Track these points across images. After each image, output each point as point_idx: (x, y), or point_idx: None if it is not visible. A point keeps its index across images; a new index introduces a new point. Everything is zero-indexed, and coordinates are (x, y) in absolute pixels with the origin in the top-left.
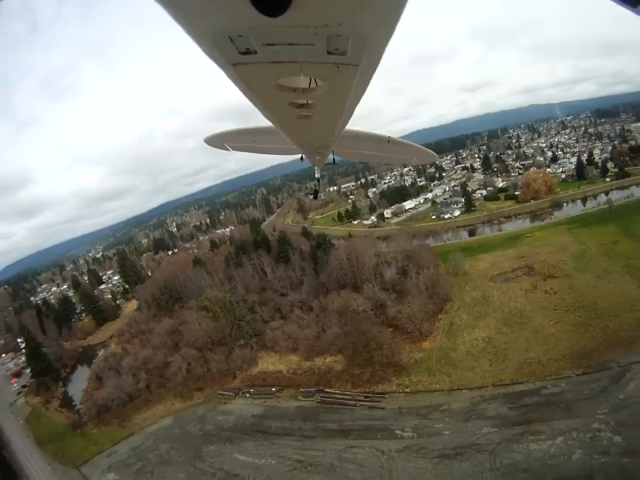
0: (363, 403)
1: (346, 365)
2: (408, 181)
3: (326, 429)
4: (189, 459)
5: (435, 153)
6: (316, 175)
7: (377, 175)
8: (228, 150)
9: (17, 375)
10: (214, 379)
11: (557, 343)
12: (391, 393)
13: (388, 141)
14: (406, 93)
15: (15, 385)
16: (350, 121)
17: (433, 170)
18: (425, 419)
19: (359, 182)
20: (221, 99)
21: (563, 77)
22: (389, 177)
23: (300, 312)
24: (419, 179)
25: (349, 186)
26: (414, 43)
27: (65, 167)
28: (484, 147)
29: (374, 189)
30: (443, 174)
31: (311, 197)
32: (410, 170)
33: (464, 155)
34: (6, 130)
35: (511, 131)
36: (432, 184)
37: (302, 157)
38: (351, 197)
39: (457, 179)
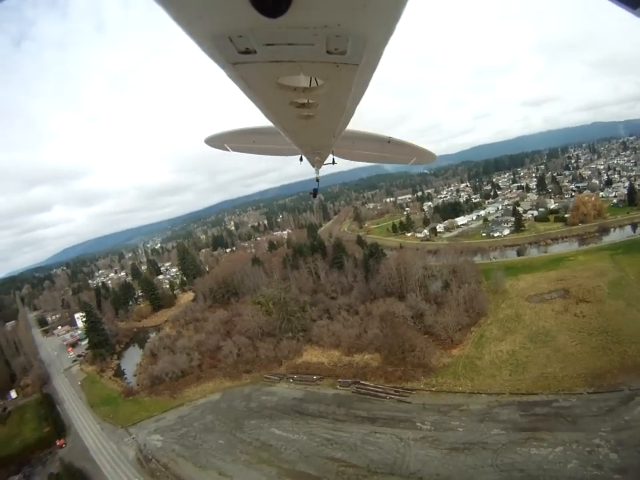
0: (393, 396)
1: (381, 362)
2: (463, 197)
3: (356, 415)
4: (230, 429)
5: (434, 153)
6: (316, 176)
7: (433, 189)
8: (228, 150)
9: (73, 345)
10: (261, 364)
11: (575, 361)
12: (419, 390)
13: (388, 141)
14: (468, 106)
15: (71, 354)
16: (351, 121)
17: (489, 187)
18: (444, 416)
19: (415, 195)
20: None
21: (627, 93)
22: (445, 192)
23: (346, 314)
24: (474, 196)
25: (405, 198)
26: (475, 54)
27: (129, 160)
28: (542, 166)
29: (429, 203)
30: (499, 192)
31: (311, 196)
32: (467, 186)
33: (522, 174)
34: (75, 122)
35: (572, 151)
36: (486, 201)
37: (301, 157)
38: (406, 209)
39: (511, 197)
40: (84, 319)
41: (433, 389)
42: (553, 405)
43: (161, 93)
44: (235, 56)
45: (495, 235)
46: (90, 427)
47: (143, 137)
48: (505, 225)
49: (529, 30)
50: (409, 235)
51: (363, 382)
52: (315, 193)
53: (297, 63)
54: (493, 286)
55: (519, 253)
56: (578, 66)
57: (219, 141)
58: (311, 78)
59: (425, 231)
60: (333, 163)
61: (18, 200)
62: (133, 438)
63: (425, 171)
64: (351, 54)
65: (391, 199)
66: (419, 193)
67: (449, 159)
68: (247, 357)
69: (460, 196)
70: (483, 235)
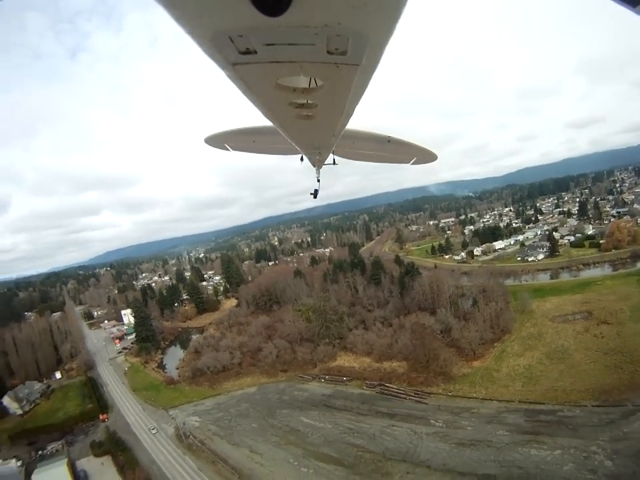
0: (412, 397)
1: (407, 369)
2: (504, 222)
3: (377, 411)
4: (263, 415)
5: (435, 153)
6: (316, 176)
7: (477, 213)
8: (228, 150)
9: (120, 338)
10: (298, 365)
11: (586, 378)
12: (436, 394)
13: (388, 140)
14: (513, 128)
15: (117, 346)
16: (354, 122)
17: (532, 212)
18: (456, 416)
19: (458, 218)
20: None
21: None
22: (488, 216)
23: (381, 325)
24: (515, 221)
25: (448, 221)
26: (518, 76)
27: (178, 171)
28: (587, 190)
29: (471, 227)
30: (540, 217)
31: (312, 196)
32: (510, 210)
33: (566, 198)
34: (126, 131)
35: (617, 174)
36: (526, 226)
37: (302, 157)
38: (447, 232)
39: (552, 223)
40: (133, 315)
41: (450, 394)
42: (557, 414)
43: (210, 107)
44: (236, 56)
45: (530, 259)
46: (132, 406)
47: (192, 150)
48: (540, 250)
49: (571, 50)
50: (446, 257)
51: (387, 384)
52: (315, 193)
53: (298, 63)
54: (520, 306)
55: (556, 276)
56: (622, 86)
57: (219, 141)
58: (310, 78)
59: (462, 253)
60: (334, 163)
61: (69, 202)
62: (173, 417)
63: (470, 194)
64: (351, 54)
65: (434, 221)
66: (462, 217)
67: (495, 182)
68: (285, 358)
69: (502, 220)
70: (518, 259)
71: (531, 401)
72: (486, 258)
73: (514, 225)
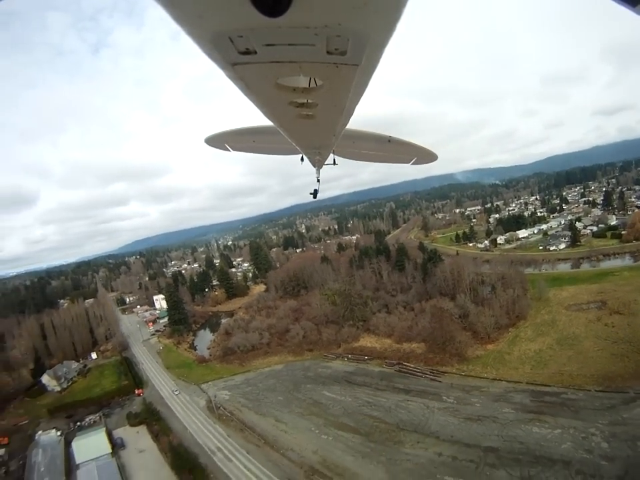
0: (427, 375)
1: (425, 350)
2: (530, 210)
3: (394, 387)
4: (289, 389)
5: (435, 153)
6: (316, 176)
7: (502, 201)
8: (228, 150)
9: (153, 322)
10: (323, 345)
11: (592, 364)
12: (450, 373)
13: (388, 140)
14: (540, 115)
15: (150, 328)
16: (356, 121)
17: (557, 201)
18: (467, 394)
19: (484, 206)
20: (357, 110)
21: None
22: (514, 204)
23: (402, 309)
24: (540, 210)
25: (474, 209)
26: (543, 62)
27: (205, 161)
28: (614, 179)
29: (496, 215)
30: (565, 206)
31: (312, 196)
32: (536, 199)
33: (592, 188)
34: (152, 124)
35: None
36: (551, 216)
37: (302, 157)
38: (473, 220)
39: (576, 212)
40: (166, 299)
41: (463, 373)
42: (561, 396)
43: (235, 97)
44: (235, 56)
45: (551, 248)
46: (166, 382)
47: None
48: (562, 239)
49: (597, 35)
50: (470, 245)
51: (405, 363)
52: (315, 193)
53: (297, 63)
54: (537, 294)
55: (577, 266)
56: None
57: (219, 141)
58: (310, 78)
59: (486, 241)
60: (334, 163)
61: (97, 194)
62: (204, 391)
63: (497, 182)
64: (351, 54)
65: (461, 209)
66: (488, 205)
67: (522, 170)
68: (311, 338)
69: (527, 209)
70: (540, 248)
71: (537, 383)
72: (509, 246)
73: (538, 213)
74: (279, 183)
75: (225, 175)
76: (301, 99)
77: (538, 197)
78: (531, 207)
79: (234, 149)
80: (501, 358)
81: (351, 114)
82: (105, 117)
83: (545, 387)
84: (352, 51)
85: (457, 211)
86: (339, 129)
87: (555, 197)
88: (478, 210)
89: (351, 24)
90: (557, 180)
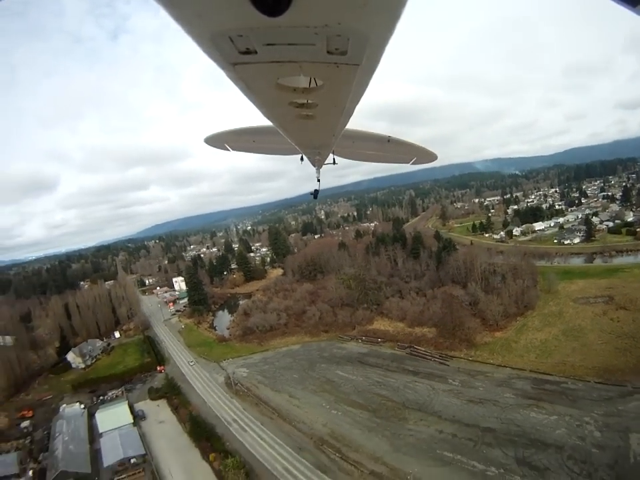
0: (436, 359)
1: (435, 335)
2: (549, 202)
3: (404, 369)
4: (304, 368)
5: (435, 153)
6: (316, 176)
7: (522, 192)
8: (228, 150)
9: (173, 302)
10: (338, 327)
11: (594, 356)
12: (458, 358)
13: (388, 140)
14: (561, 106)
15: (171, 308)
16: (356, 121)
17: (577, 194)
18: (472, 378)
19: (503, 197)
20: (379, 97)
21: None
22: (533, 196)
23: (415, 295)
24: (559, 202)
25: (493, 200)
26: (565, 51)
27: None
28: (634, 175)
29: (515, 206)
30: (583, 200)
31: (312, 196)
32: (555, 191)
33: (612, 182)
34: (172, 109)
35: None
36: (569, 209)
37: (302, 157)
38: (491, 210)
39: (594, 207)
40: (186, 280)
41: (470, 359)
42: (561, 385)
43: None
44: (236, 56)
45: (566, 242)
46: (186, 359)
47: (239, 124)
48: (578, 233)
49: (622, 26)
50: (486, 235)
51: (416, 347)
52: (315, 194)
53: (298, 63)
54: (546, 286)
55: (591, 260)
56: None
57: (218, 141)
58: (310, 78)
59: (502, 232)
60: (334, 163)
61: (117, 178)
62: (223, 368)
63: (517, 172)
64: (351, 54)
65: (480, 199)
66: (507, 195)
67: (542, 161)
68: (327, 320)
69: (546, 201)
70: (555, 241)
71: (540, 371)
72: (524, 238)
73: (557, 206)
74: (298, 168)
75: (245, 159)
76: (301, 99)
77: (557, 189)
78: (549, 199)
79: (234, 149)
80: (507, 345)
81: (351, 114)
82: (125, 104)
83: (547, 376)
84: (352, 51)
85: (476, 200)
86: (338, 129)
87: (574, 190)
88: (497, 200)
89: (351, 23)
90: (577, 173)
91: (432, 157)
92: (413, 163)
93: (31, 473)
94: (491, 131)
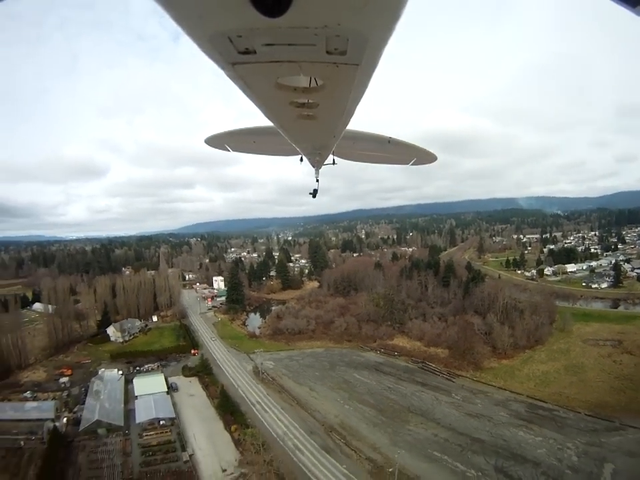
0: (444, 375)
1: (447, 355)
2: (586, 245)
3: (414, 379)
4: (325, 368)
5: (434, 154)
6: (315, 177)
7: (561, 233)
8: (228, 150)
9: (211, 298)
10: (361, 338)
11: (590, 392)
12: (464, 377)
13: (388, 141)
14: (612, 147)
15: (209, 304)
16: (356, 122)
17: (615, 239)
18: (472, 395)
19: (542, 236)
20: (430, 124)
21: None
22: (571, 237)
23: (437, 320)
24: (596, 246)
25: (532, 237)
26: (621, 91)
27: (272, 158)
28: None
29: (552, 246)
30: (620, 246)
31: (311, 196)
32: (594, 235)
33: None
34: (230, 115)
35: None
36: (604, 253)
37: (302, 157)
38: (528, 248)
39: (629, 253)
40: (227, 280)
41: (474, 379)
42: (553, 412)
43: None
44: (235, 56)
45: (593, 286)
46: (219, 348)
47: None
48: (607, 278)
49: None
50: (518, 272)
51: (428, 363)
52: (314, 193)
53: (297, 63)
54: (561, 325)
55: (616, 305)
56: None
57: (219, 141)
58: (310, 78)
59: (533, 271)
60: (334, 163)
61: (165, 174)
62: (252, 359)
63: (559, 212)
64: (351, 54)
65: (520, 235)
66: (547, 235)
67: (587, 203)
68: (352, 331)
69: (583, 244)
70: (583, 284)
71: (536, 398)
72: (555, 278)
73: (592, 250)
74: (343, 186)
75: (291, 171)
76: (302, 99)
77: (597, 232)
78: (587, 242)
79: (234, 150)
80: (511, 372)
81: (352, 114)
82: (182, 104)
83: (542, 402)
84: (352, 51)
85: (515, 236)
86: (339, 130)
87: (613, 234)
88: (535, 239)
89: (351, 24)
90: (618, 217)
91: (432, 157)
92: (413, 164)
93: (65, 420)
94: (539, 168)
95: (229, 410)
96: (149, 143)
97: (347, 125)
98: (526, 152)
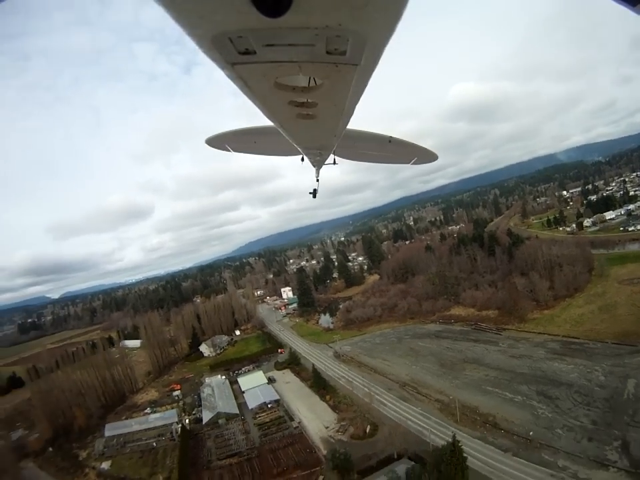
0: (493, 331)
1: (497, 315)
2: (626, 188)
3: (468, 338)
4: (393, 343)
5: (435, 153)
6: (315, 176)
7: (603, 181)
8: (229, 151)
9: (284, 307)
10: (421, 314)
11: (619, 325)
12: (509, 329)
13: (389, 140)
14: (637, 80)
15: (282, 312)
16: (356, 121)
17: None
18: (516, 342)
19: (585, 187)
20: (454, 99)
21: None
22: (614, 183)
23: (487, 286)
24: (636, 189)
25: (575, 191)
26: (632, 22)
27: (306, 164)
28: None
29: (592, 197)
30: None
31: (311, 196)
32: (636, 176)
33: None
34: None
35: None
36: None
37: (302, 157)
38: (570, 203)
39: None
40: (297, 287)
41: (519, 330)
42: (583, 345)
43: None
44: (235, 56)
45: (630, 229)
46: (300, 344)
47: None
48: None
49: None
50: (560, 228)
51: (479, 323)
52: (314, 193)
53: (297, 63)
54: (599, 271)
55: None
56: None
57: (219, 141)
58: (310, 77)
59: (573, 225)
60: (334, 163)
61: (208, 202)
62: (331, 347)
63: (600, 159)
64: (350, 54)
65: (563, 192)
66: (589, 186)
67: (631, 141)
68: (413, 310)
69: (624, 188)
70: (621, 229)
71: (570, 336)
72: (594, 229)
73: (631, 193)
74: (384, 178)
75: (329, 175)
76: (301, 98)
77: (638, 173)
78: (628, 185)
79: (235, 150)
80: (551, 319)
81: (351, 114)
82: (209, 130)
83: (575, 339)
84: (351, 51)
85: (557, 194)
86: (339, 129)
87: None
88: (578, 192)
89: (352, 24)
90: None
91: (433, 156)
92: (413, 163)
93: (187, 420)
94: (571, 118)
95: (322, 385)
96: (188, 176)
97: (346, 125)
98: (552, 105)
